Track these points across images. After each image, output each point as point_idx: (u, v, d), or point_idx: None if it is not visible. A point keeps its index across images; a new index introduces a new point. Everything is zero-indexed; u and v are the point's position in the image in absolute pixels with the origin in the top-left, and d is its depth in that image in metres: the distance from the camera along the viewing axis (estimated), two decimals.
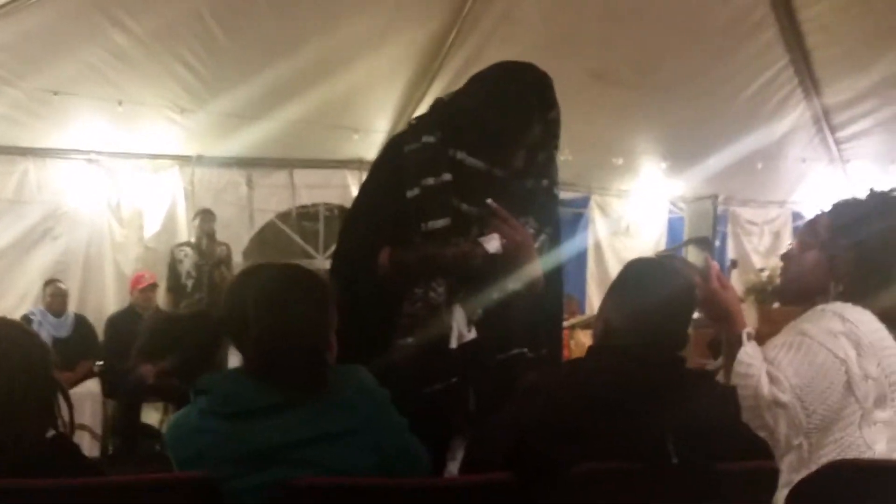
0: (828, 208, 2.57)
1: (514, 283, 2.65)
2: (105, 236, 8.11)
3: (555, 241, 2.86)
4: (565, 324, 5.56)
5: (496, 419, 2.24)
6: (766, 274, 9.40)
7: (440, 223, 2.63)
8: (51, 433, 2.12)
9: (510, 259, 2.59)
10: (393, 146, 2.80)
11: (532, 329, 2.76)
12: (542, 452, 2.01)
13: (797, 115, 9.08)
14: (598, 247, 10.13)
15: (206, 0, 6.55)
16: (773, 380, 2.22)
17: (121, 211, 8.19)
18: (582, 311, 8.89)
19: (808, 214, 10.08)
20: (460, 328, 2.68)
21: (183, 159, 8.35)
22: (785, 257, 2.63)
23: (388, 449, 2.09)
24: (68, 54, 6.63)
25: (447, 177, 2.63)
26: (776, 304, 7.30)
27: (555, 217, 2.90)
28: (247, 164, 8.64)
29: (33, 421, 2.07)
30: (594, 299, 9.51)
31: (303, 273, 2.23)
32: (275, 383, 2.02)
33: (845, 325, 2.30)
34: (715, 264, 2.51)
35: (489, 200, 2.58)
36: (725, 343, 2.40)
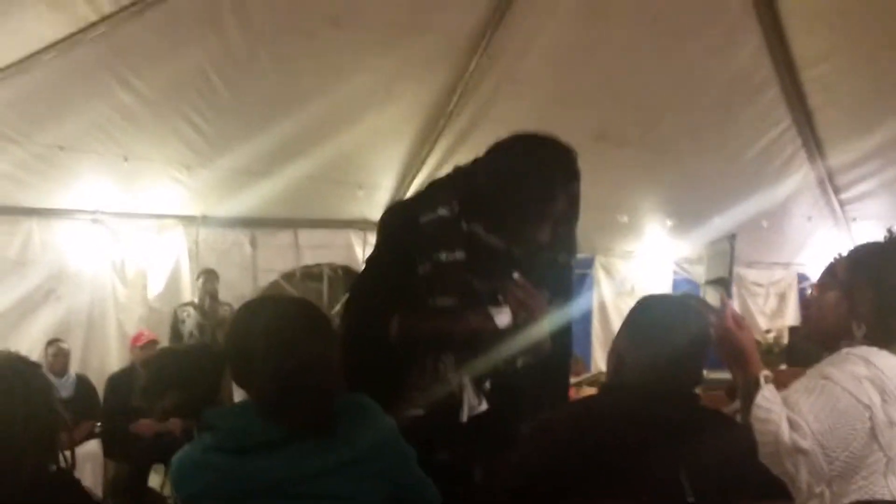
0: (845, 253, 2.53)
1: (524, 354, 2.63)
2: (108, 296, 8.08)
3: (565, 333, 2.84)
4: (572, 381, 5.51)
5: (510, 457, 2.20)
6: (772, 336, 9.36)
7: (448, 302, 2.60)
8: (52, 468, 2.09)
9: (525, 329, 2.56)
10: (408, 214, 2.75)
11: (540, 399, 2.72)
12: (554, 492, 1.96)
13: (801, 176, 9.08)
14: (602, 308, 10.09)
15: (210, 59, 6.61)
16: (793, 425, 2.14)
17: (125, 271, 8.18)
18: (588, 371, 8.82)
19: (814, 276, 10.11)
20: (470, 400, 2.64)
21: (187, 219, 8.37)
22: (805, 302, 2.59)
23: (396, 477, 2.06)
24: (74, 113, 6.67)
25: (460, 255, 2.61)
26: (783, 366, 7.24)
27: (569, 289, 2.90)
28: (251, 224, 8.66)
29: (34, 453, 2.05)
30: (599, 361, 9.44)
31: (308, 308, 2.21)
32: (282, 419, 1.98)
33: (870, 370, 2.24)
34: (731, 304, 2.45)
35: (516, 275, 2.56)
36: (741, 386, 2.33)
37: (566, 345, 2.88)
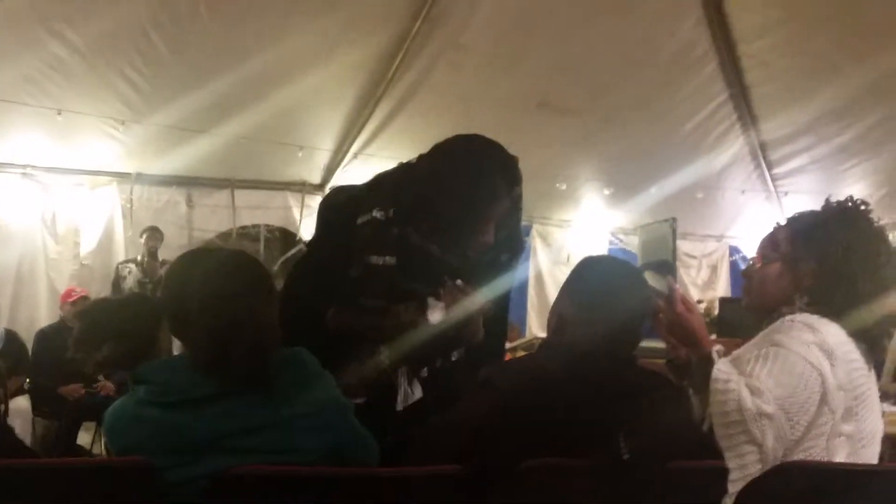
0: (784, 222, 2.56)
1: (458, 347, 2.68)
2: (39, 252, 7.95)
3: (503, 303, 2.86)
4: (508, 345, 5.56)
5: (447, 414, 2.20)
6: (703, 306, 9.51)
7: (375, 303, 2.61)
8: None
9: (458, 329, 2.58)
10: (346, 211, 2.72)
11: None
12: (492, 448, 1.97)
13: (736, 149, 9.24)
14: (539, 276, 10.17)
15: (148, 12, 6.47)
16: (754, 391, 2.15)
17: (56, 227, 8.04)
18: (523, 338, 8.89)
19: (745, 249, 10.29)
20: (406, 389, 2.66)
21: (122, 176, 8.23)
22: (746, 273, 2.60)
23: (335, 431, 2.04)
24: (4, 64, 6.50)
25: (391, 260, 2.60)
26: (713, 336, 7.37)
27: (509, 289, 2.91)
28: (187, 183, 8.55)
29: None
30: (535, 328, 9.53)
31: (245, 261, 2.16)
32: (215, 374, 1.96)
33: (816, 336, 2.27)
34: (678, 288, 2.46)
35: (458, 282, 2.56)
36: (695, 364, 2.34)
37: (502, 318, 2.91)
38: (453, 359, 2.73)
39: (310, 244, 2.95)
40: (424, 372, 2.72)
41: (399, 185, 2.67)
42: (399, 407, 2.67)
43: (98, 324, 2.75)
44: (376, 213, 2.62)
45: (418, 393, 2.69)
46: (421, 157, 2.69)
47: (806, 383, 2.20)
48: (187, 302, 2.01)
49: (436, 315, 2.53)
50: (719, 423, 2.19)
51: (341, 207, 2.79)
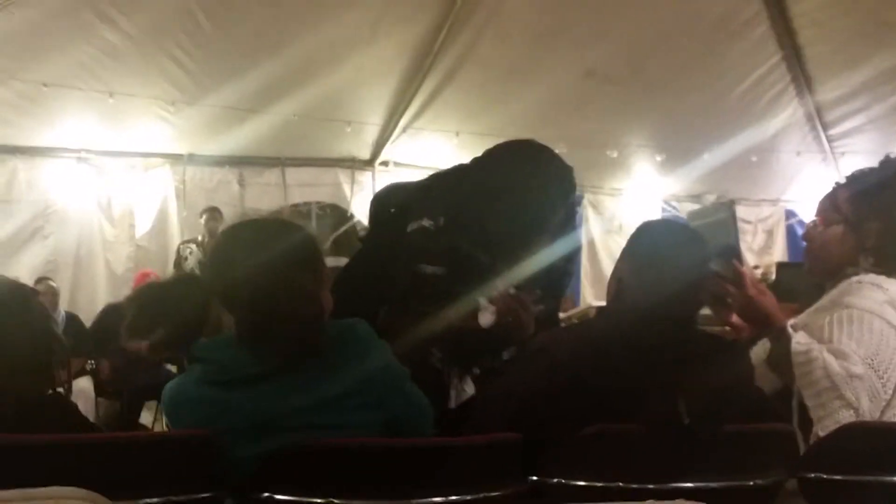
0: (843, 181, 2.51)
1: (509, 347, 2.66)
2: (96, 235, 8.10)
3: (555, 303, 2.84)
4: (562, 315, 5.55)
5: (503, 382, 2.19)
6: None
7: (427, 309, 2.58)
8: (48, 392, 2.11)
9: (509, 331, 2.55)
10: (397, 217, 2.70)
11: None
12: (550, 414, 1.96)
13: (790, 112, 9.05)
14: (591, 245, 10.07)
15: None
16: (838, 355, 2.14)
17: (111, 209, 8.19)
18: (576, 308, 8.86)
19: (801, 212, 10.12)
20: (458, 388, 2.67)
21: (174, 158, 8.34)
22: (807, 235, 2.55)
23: (390, 406, 2.02)
24: (58, 52, 6.59)
25: (440, 270, 2.59)
26: None
27: (563, 286, 2.90)
28: (238, 162, 8.64)
29: (32, 377, 2.05)
30: (588, 297, 9.48)
31: (290, 230, 2.10)
32: (263, 351, 1.94)
33: (886, 294, 2.25)
34: (746, 270, 2.40)
35: (511, 290, 2.52)
36: (773, 342, 2.32)
37: (554, 318, 2.88)
38: (504, 357, 2.71)
39: (364, 240, 2.95)
40: (476, 370, 2.71)
41: (450, 191, 2.64)
42: (452, 404, 2.66)
43: (147, 309, 2.75)
44: (426, 222, 2.60)
45: (470, 390, 2.68)
46: (475, 162, 2.66)
47: (888, 341, 2.18)
48: (232, 275, 1.98)
49: (486, 318, 2.50)
50: (810, 393, 2.16)
51: (393, 208, 2.78)
